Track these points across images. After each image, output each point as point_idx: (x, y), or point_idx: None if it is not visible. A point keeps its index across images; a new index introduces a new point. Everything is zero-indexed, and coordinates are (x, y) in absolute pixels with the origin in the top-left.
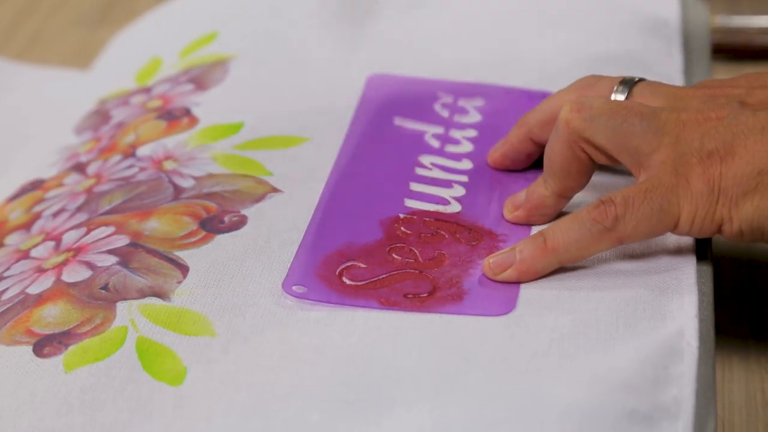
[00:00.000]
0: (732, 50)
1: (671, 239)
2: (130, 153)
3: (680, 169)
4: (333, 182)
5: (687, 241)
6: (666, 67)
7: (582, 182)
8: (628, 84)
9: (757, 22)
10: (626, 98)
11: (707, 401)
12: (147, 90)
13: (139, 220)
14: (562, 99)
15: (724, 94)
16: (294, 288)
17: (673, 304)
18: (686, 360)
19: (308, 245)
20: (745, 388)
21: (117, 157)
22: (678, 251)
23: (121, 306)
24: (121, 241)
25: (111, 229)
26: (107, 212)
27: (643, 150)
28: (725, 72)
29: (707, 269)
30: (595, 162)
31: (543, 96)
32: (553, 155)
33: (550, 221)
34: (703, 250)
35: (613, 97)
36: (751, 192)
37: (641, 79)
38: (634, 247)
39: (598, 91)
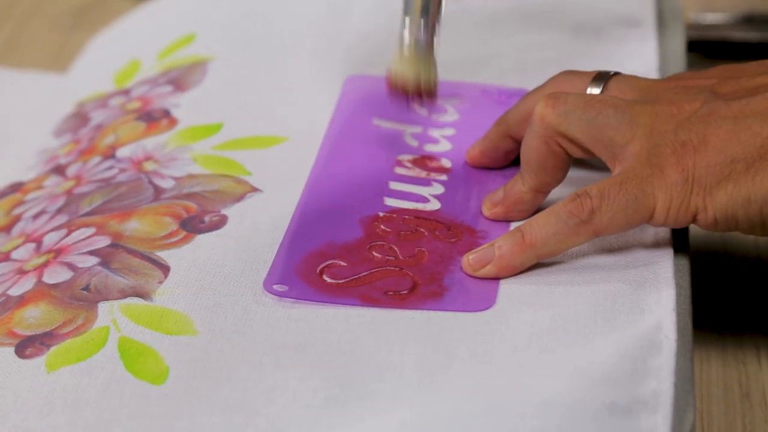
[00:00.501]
0: (706, 46)
1: (648, 233)
2: (109, 154)
3: (654, 159)
4: (312, 182)
5: (664, 235)
6: (641, 63)
7: (559, 177)
8: (603, 78)
9: (730, 18)
10: (601, 92)
11: (686, 393)
12: (126, 92)
13: (120, 220)
14: (538, 96)
15: (696, 86)
16: (275, 287)
17: (650, 297)
18: (664, 353)
19: (289, 244)
20: (723, 380)
21: (97, 159)
22: (655, 245)
23: (102, 306)
24: (102, 241)
25: (92, 230)
26: (88, 213)
27: (618, 142)
28: (699, 69)
29: (684, 263)
30: (571, 156)
31: (519, 93)
32: (529, 151)
33: (528, 217)
34: (680, 243)
35: (588, 91)
36: (725, 180)
37: (616, 73)
38: (611, 241)
39: (574, 86)
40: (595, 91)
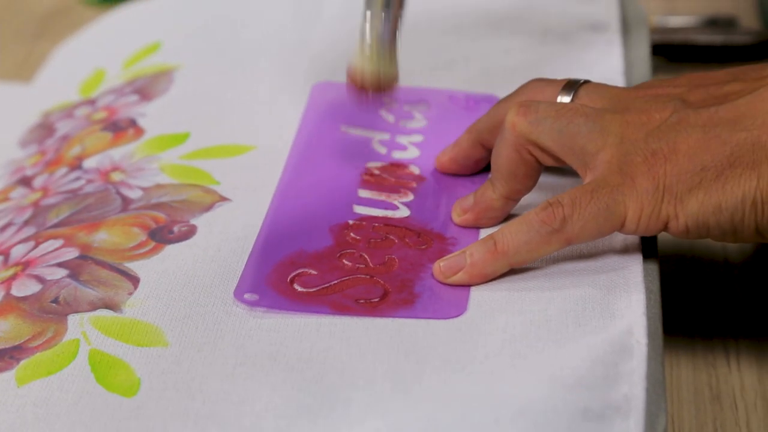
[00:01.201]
0: (669, 50)
1: (618, 238)
2: (76, 165)
3: (625, 168)
4: (281, 190)
5: (633, 239)
6: (607, 68)
7: (529, 185)
8: (574, 86)
9: (692, 22)
10: (572, 100)
11: (657, 398)
12: (92, 102)
13: (88, 232)
14: (509, 103)
15: (665, 94)
16: (246, 296)
17: (621, 302)
18: (636, 357)
19: (259, 253)
20: (693, 384)
21: (63, 170)
22: (625, 250)
23: (72, 319)
24: (71, 253)
25: (60, 242)
26: (55, 225)
27: (589, 150)
28: (664, 73)
29: (654, 267)
30: (542, 164)
31: (486, 99)
32: (500, 158)
33: (498, 224)
34: (649, 248)
35: (559, 99)
36: (696, 188)
37: (586, 81)
38: (581, 246)
39: (545, 94)
40: (565, 99)
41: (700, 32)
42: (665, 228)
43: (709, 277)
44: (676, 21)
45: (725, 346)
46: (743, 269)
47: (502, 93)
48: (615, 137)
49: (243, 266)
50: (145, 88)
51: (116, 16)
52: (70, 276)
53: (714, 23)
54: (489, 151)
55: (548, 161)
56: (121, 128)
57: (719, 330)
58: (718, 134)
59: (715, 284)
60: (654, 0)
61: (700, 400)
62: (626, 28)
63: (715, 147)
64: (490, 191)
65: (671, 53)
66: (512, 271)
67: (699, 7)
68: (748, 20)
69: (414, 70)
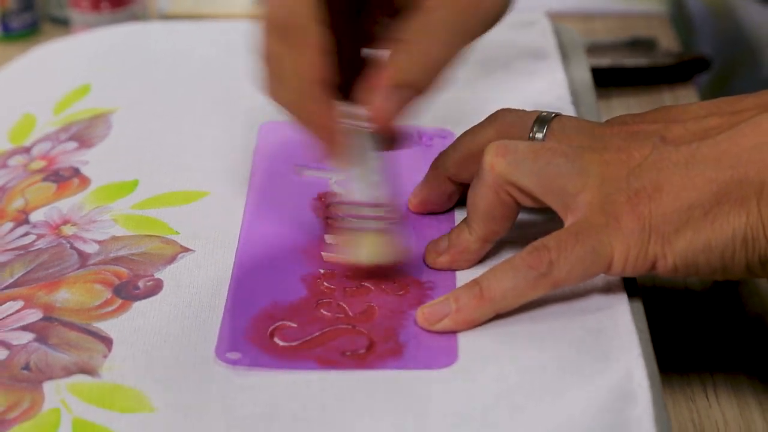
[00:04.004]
0: (597, 74)
1: (599, 277)
2: (22, 219)
3: (608, 208)
4: (245, 240)
5: (614, 278)
6: (555, 96)
7: (507, 226)
8: (546, 121)
9: (613, 45)
10: (544, 135)
11: None
12: (26, 150)
13: (48, 291)
14: (479, 136)
15: (642, 131)
16: (228, 355)
17: (613, 343)
18: (640, 403)
19: (233, 308)
20: (677, 420)
21: (9, 225)
22: (608, 289)
23: (48, 386)
24: (33, 315)
25: (19, 304)
26: (11, 285)
27: (569, 191)
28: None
29: (639, 306)
30: (521, 205)
31: (443, 134)
32: (477, 200)
33: (473, 265)
34: (631, 286)
35: (532, 135)
36: (683, 227)
37: (557, 115)
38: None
39: (517, 129)
40: (538, 135)
41: (625, 55)
42: (653, 268)
43: (676, 310)
44: (597, 44)
45: (701, 380)
46: (704, 299)
47: (454, 125)
48: (596, 178)
49: (218, 321)
50: (82, 135)
51: (37, 57)
52: (37, 340)
53: (634, 45)
54: (459, 185)
55: (527, 202)
56: (64, 178)
57: (693, 363)
58: (702, 172)
59: (682, 317)
60: (571, 23)
61: None
62: (564, 53)
63: (701, 185)
64: (466, 233)
65: (599, 77)
66: (496, 316)
67: (617, 31)
68: (667, 42)
69: None
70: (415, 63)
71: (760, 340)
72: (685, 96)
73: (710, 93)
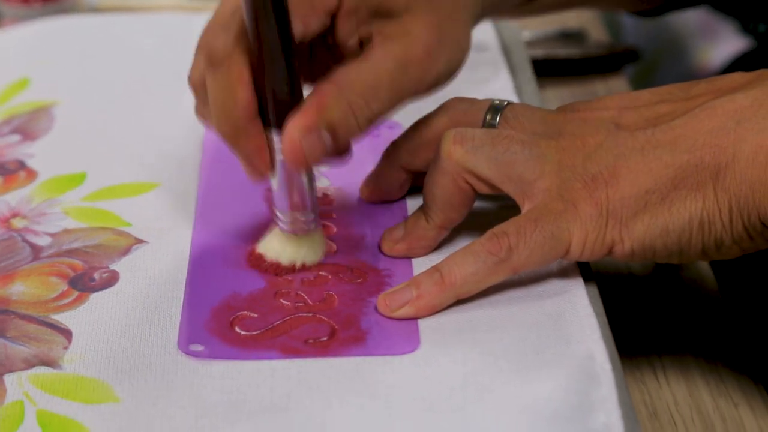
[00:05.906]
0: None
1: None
2: None
3: (566, 194)
4: (199, 231)
5: (568, 262)
6: (499, 86)
7: (463, 213)
8: (498, 109)
9: (544, 36)
10: (498, 123)
11: (632, 423)
12: None
13: (2, 284)
14: (433, 124)
15: (596, 117)
16: (191, 347)
17: (573, 327)
18: (604, 384)
19: (193, 300)
20: None
21: None
22: (563, 273)
23: (9, 379)
24: None
25: None
26: None
27: (527, 178)
28: (547, 84)
29: (594, 290)
30: (477, 192)
31: (390, 125)
32: (435, 188)
33: (429, 252)
34: (585, 270)
35: (484, 123)
36: (641, 212)
37: (509, 103)
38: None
39: (471, 117)
40: (492, 122)
41: (557, 46)
42: (610, 253)
43: (618, 292)
44: (528, 35)
45: (650, 362)
46: (646, 283)
47: (401, 116)
48: (553, 164)
49: (177, 312)
50: (25, 127)
51: None
52: None
53: (565, 37)
54: (411, 173)
55: (484, 189)
56: (10, 171)
57: (641, 346)
58: (658, 156)
59: (629, 299)
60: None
61: (639, 419)
62: (504, 45)
63: (657, 170)
64: (423, 221)
65: (533, 68)
66: (457, 302)
67: (547, 22)
68: (596, 33)
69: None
70: (340, 108)
71: (702, 322)
72: (616, 85)
73: (639, 82)
